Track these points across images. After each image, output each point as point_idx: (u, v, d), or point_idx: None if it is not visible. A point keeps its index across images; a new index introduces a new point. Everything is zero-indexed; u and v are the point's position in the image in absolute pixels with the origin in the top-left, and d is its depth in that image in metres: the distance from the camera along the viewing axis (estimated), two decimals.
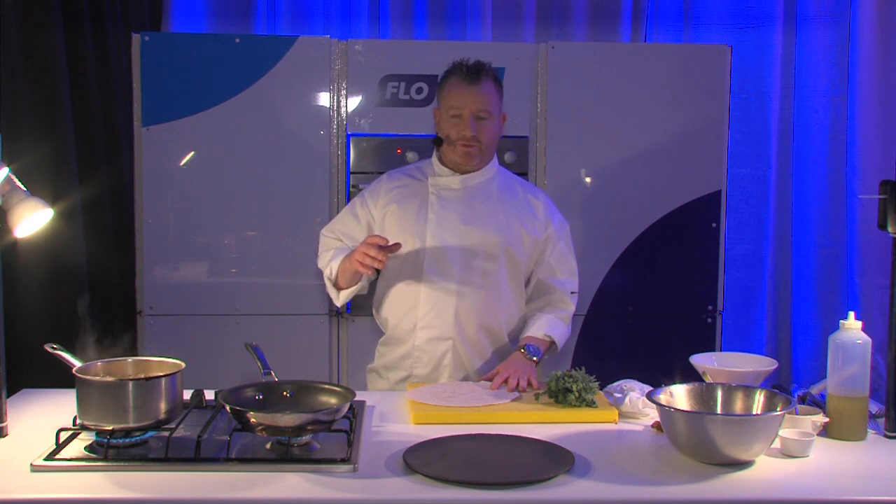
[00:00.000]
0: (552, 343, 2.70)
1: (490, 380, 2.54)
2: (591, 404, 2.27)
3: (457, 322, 2.67)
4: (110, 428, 1.94)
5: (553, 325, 2.72)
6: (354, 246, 2.63)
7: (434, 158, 2.76)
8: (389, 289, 2.74)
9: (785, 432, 1.99)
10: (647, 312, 3.78)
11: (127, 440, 1.97)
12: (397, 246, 2.52)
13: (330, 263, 2.70)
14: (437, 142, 2.72)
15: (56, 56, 3.49)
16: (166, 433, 1.97)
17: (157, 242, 3.61)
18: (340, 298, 2.74)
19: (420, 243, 2.65)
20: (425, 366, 2.70)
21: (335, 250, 2.73)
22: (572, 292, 2.79)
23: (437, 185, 2.72)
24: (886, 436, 2.15)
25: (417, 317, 2.69)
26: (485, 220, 2.68)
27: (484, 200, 2.71)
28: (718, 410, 2.08)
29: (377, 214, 2.73)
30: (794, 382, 4.25)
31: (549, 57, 3.70)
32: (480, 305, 2.68)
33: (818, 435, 2.07)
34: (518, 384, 2.46)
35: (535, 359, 2.61)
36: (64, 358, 2.09)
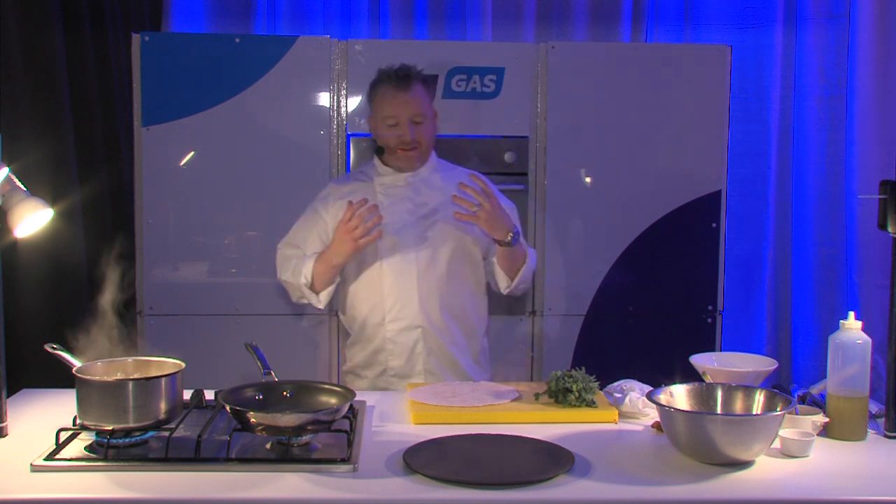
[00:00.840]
0: (524, 256, 2.75)
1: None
2: (591, 404, 2.27)
3: (422, 309, 2.73)
4: (110, 428, 1.95)
5: (531, 250, 2.81)
6: (315, 252, 2.72)
7: (376, 161, 2.84)
8: (353, 286, 2.80)
9: (785, 432, 1.99)
10: (647, 312, 3.78)
11: (127, 440, 1.97)
12: (363, 202, 2.58)
13: (301, 271, 2.71)
14: (379, 151, 2.80)
15: (56, 56, 3.50)
16: (166, 433, 1.97)
17: (157, 242, 3.61)
18: (322, 299, 2.77)
19: (376, 241, 2.67)
20: (399, 357, 2.75)
21: (297, 260, 2.75)
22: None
23: (384, 184, 2.80)
24: (886, 436, 2.15)
25: (385, 310, 2.74)
26: (434, 207, 2.76)
27: (430, 191, 2.79)
28: (718, 410, 2.08)
29: (330, 220, 2.76)
30: (794, 382, 4.24)
31: (550, 57, 3.69)
32: (443, 290, 2.74)
33: (818, 435, 2.07)
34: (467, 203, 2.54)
35: (511, 233, 2.63)
36: (64, 358, 2.09)
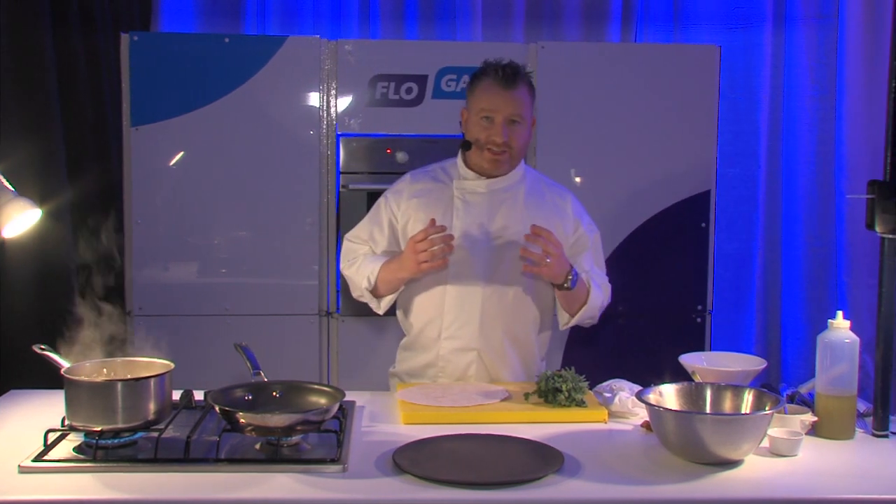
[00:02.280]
0: (587, 295, 2.58)
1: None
2: (580, 404, 2.27)
3: (482, 332, 2.59)
4: (99, 429, 1.94)
5: (595, 285, 2.61)
6: (386, 252, 2.63)
7: (459, 160, 2.67)
8: (415, 294, 2.66)
9: (773, 431, 2.00)
10: (636, 312, 3.78)
11: (116, 441, 1.97)
12: (442, 228, 2.44)
13: (365, 273, 2.61)
14: (465, 145, 2.62)
15: (45, 56, 3.49)
16: (155, 434, 1.96)
17: (146, 243, 3.60)
18: (382, 306, 2.67)
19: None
20: (449, 376, 2.63)
21: (364, 257, 2.67)
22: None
23: (463, 189, 2.63)
24: (874, 434, 2.16)
25: (442, 326, 2.62)
26: (511, 225, 2.60)
27: (510, 205, 2.62)
28: (707, 410, 2.08)
29: (400, 216, 2.65)
30: (783, 381, 4.26)
31: (539, 57, 3.70)
32: (506, 314, 2.61)
33: (807, 434, 2.08)
34: (545, 254, 2.40)
35: (570, 277, 2.49)
36: (52, 359, 2.08)
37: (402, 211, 2.65)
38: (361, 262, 2.65)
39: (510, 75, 2.53)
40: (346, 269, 2.71)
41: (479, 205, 2.62)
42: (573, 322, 2.64)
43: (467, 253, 2.58)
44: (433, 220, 2.45)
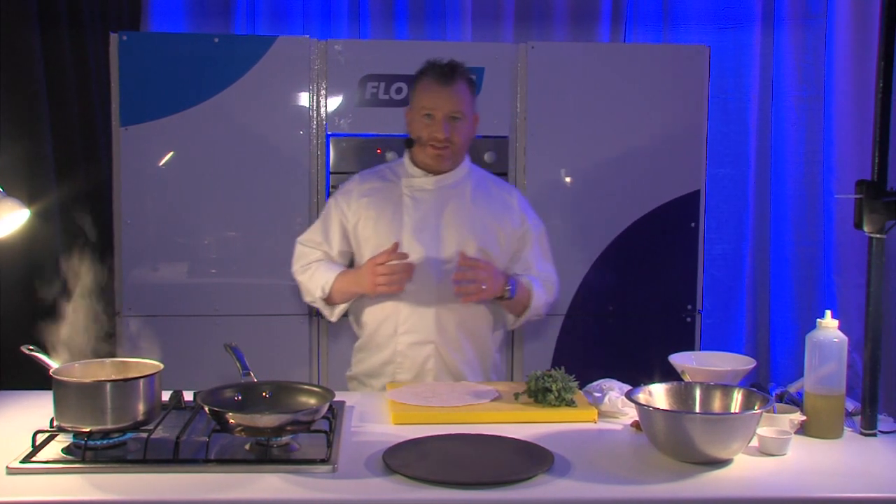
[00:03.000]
0: (529, 297, 2.67)
1: None
2: (570, 404, 2.28)
3: (438, 325, 2.65)
4: (88, 430, 1.93)
5: (537, 286, 2.70)
6: (341, 254, 2.70)
7: (406, 159, 2.75)
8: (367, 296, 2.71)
9: (762, 431, 2.00)
10: (626, 312, 3.79)
11: (105, 442, 1.96)
12: (404, 255, 2.52)
13: (319, 282, 2.66)
14: (409, 143, 2.71)
15: (33, 55, 3.47)
16: (145, 434, 1.96)
17: (135, 243, 3.59)
18: (335, 314, 2.73)
19: None
20: (408, 371, 2.67)
21: (318, 265, 2.71)
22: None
23: (411, 187, 2.70)
24: (862, 433, 2.16)
25: (398, 322, 2.67)
26: (460, 220, 2.67)
27: (458, 201, 2.69)
28: (697, 409, 2.09)
29: (351, 215, 2.71)
30: (773, 381, 4.27)
31: (529, 57, 3.70)
32: (461, 307, 2.65)
33: (795, 433, 2.09)
34: (472, 287, 2.50)
35: (508, 287, 2.59)
36: (41, 359, 2.07)
37: (353, 211, 2.71)
38: (315, 270, 2.70)
39: (448, 73, 2.62)
40: (299, 275, 2.75)
41: (428, 201, 2.68)
42: (519, 322, 2.77)
43: (420, 248, 2.63)
44: (396, 245, 2.53)
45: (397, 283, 2.54)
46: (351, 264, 2.78)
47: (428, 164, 2.68)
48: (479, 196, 2.72)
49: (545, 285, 2.74)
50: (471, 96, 2.66)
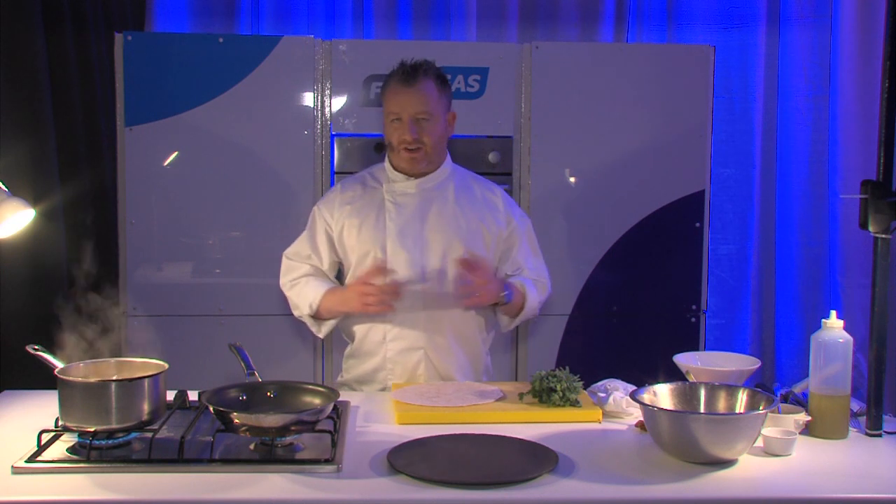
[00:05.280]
0: (523, 300, 2.66)
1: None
2: (574, 404, 2.28)
3: (426, 331, 2.63)
4: (93, 429, 1.94)
5: (530, 287, 2.69)
6: (333, 265, 2.70)
7: (386, 164, 2.71)
8: None
9: (767, 431, 2.00)
10: (630, 312, 3.79)
11: (110, 441, 1.97)
12: (397, 288, 2.52)
13: (307, 299, 2.64)
14: (379, 147, 2.68)
15: (37, 56, 3.48)
16: (149, 434, 1.96)
17: (140, 243, 3.59)
18: (323, 330, 2.72)
19: (381, 253, 2.61)
20: (399, 377, 2.65)
21: (305, 280, 2.69)
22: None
23: (393, 192, 2.66)
24: (867, 434, 2.16)
25: (386, 328, 2.64)
26: (444, 223, 2.64)
27: (441, 203, 2.66)
28: (702, 409, 2.09)
29: (334, 224, 2.68)
30: (777, 381, 4.26)
31: (534, 57, 3.70)
32: (449, 311, 2.64)
33: (800, 433, 2.09)
34: (474, 296, 2.52)
35: (503, 294, 2.59)
36: (46, 359, 2.08)
37: (336, 219, 2.68)
38: (303, 286, 2.68)
39: (411, 73, 2.57)
40: (287, 290, 2.73)
41: (410, 205, 2.65)
42: (514, 324, 2.76)
43: (404, 256, 2.60)
44: (383, 262, 2.54)
45: (386, 304, 2.52)
46: (340, 272, 2.77)
47: (404, 168, 2.65)
48: (462, 197, 2.69)
49: (537, 285, 2.73)
50: (440, 94, 2.60)
